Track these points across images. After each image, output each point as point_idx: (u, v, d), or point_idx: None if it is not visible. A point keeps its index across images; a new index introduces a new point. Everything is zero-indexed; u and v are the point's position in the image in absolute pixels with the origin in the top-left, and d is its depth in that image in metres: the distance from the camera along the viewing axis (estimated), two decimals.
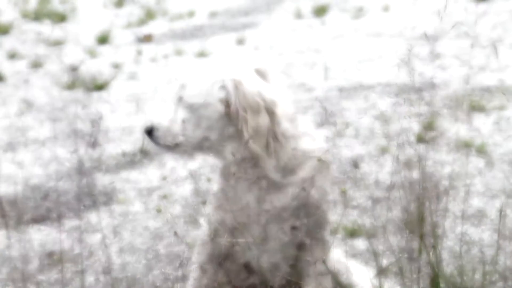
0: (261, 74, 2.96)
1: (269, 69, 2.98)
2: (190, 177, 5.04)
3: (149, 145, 3.01)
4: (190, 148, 2.96)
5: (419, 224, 2.92)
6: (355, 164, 4.80)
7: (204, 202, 3.14)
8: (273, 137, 2.89)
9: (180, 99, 2.94)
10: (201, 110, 2.90)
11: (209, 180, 4.79)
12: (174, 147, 2.95)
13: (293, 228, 2.98)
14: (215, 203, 3.05)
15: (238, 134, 2.88)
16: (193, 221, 4.41)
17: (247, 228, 2.97)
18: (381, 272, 3.06)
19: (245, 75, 2.90)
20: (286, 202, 2.94)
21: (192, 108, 2.91)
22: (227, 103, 2.87)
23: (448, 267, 3.30)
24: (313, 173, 2.95)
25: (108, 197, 4.92)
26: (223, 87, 2.88)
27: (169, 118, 2.95)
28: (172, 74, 7.96)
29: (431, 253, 2.89)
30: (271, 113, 2.86)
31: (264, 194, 2.95)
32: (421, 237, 2.92)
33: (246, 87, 2.85)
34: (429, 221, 2.93)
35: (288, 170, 2.93)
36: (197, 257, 3.17)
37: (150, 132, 2.95)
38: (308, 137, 2.99)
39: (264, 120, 2.85)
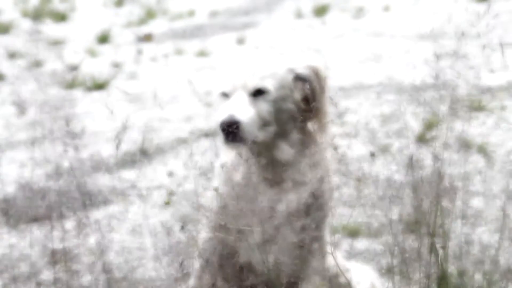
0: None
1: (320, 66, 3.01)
2: (191, 177, 5.04)
3: (226, 141, 2.81)
4: (265, 139, 2.88)
5: (423, 224, 2.92)
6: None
7: (205, 201, 3.12)
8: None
9: (255, 93, 2.87)
10: (281, 102, 2.89)
11: (209, 179, 4.78)
12: (251, 141, 2.84)
13: (302, 228, 2.98)
14: (217, 204, 3.03)
15: (304, 118, 2.94)
16: (193, 221, 4.40)
17: (254, 229, 2.96)
18: (384, 272, 3.06)
19: (314, 61, 2.97)
20: (301, 202, 2.95)
21: (273, 101, 2.87)
22: (305, 90, 2.91)
23: (448, 267, 3.30)
24: (325, 173, 2.98)
25: (108, 197, 4.91)
26: (300, 75, 2.92)
27: (246, 112, 2.83)
28: (172, 73, 7.96)
29: (440, 253, 2.89)
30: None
31: (282, 195, 2.95)
32: (426, 237, 2.92)
33: (323, 72, 2.94)
34: (432, 221, 2.93)
35: (313, 165, 2.97)
36: (198, 257, 3.16)
37: (231, 127, 2.80)
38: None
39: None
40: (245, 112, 2.82)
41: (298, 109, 2.93)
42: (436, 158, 3.11)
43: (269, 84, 2.87)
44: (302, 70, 2.93)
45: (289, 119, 2.92)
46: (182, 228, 2.91)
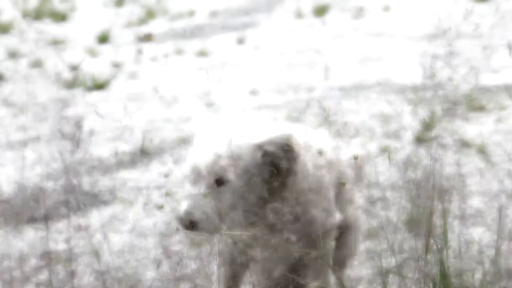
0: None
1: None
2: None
3: (187, 231, 2.70)
4: (233, 223, 2.73)
5: (424, 224, 2.92)
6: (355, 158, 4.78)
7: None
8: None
9: (217, 182, 2.69)
10: (246, 187, 2.71)
11: None
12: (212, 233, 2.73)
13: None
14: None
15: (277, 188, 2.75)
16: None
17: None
18: (384, 272, 3.06)
19: (286, 129, 2.78)
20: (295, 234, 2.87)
21: (237, 189, 2.70)
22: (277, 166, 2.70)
23: (448, 267, 3.30)
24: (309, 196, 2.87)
25: (108, 197, 4.92)
26: (269, 152, 2.70)
27: (204, 208, 2.68)
28: (172, 73, 7.96)
29: (439, 253, 2.90)
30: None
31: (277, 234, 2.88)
32: (425, 237, 2.92)
33: (296, 140, 2.73)
34: (430, 221, 2.93)
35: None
36: (218, 259, 3.10)
37: (187, 225, 2.66)
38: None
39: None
40: (203, 209, 2.67)
41: (269, 186, 2.72)
42: (434, 158, 3.11)
43: (231, 174, 2.68)
44: (270, 146, 2.70)
45: (259, 198, 2.73)
46: (178, 229, 2.88)
